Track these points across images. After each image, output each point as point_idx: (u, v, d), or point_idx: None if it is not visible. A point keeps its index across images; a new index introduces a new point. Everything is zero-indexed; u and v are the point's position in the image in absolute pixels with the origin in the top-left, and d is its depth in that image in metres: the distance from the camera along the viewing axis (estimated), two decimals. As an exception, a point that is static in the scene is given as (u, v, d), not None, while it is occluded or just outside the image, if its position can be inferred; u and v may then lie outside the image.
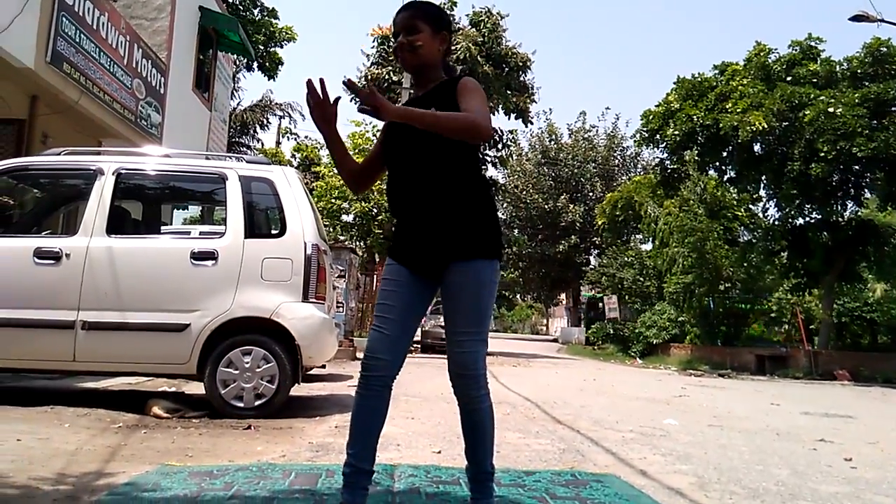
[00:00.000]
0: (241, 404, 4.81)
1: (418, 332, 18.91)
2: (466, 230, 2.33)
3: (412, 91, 2.59)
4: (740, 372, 16.30)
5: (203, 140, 14.03)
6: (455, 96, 2.33)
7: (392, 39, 2.52)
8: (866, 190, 17.22)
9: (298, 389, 5.77)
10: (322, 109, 2.32)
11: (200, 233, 6.55)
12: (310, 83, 2.28)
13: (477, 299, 2.34)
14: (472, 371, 2.32)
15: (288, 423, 4.68)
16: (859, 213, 17.75)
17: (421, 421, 5.09)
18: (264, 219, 5.56)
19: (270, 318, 4.88)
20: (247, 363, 4.84)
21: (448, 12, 22.18)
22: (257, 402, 4.84)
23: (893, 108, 15.23)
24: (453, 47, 21.54)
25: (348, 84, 2.25)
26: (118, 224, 5.11)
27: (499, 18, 22.04)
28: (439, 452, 3.86)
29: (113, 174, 5.10)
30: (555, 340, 40.64)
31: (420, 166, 2.35)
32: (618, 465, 3.82)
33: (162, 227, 6.65)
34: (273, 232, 5.29)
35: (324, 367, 5.94)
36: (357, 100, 2.18)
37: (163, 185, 6.01)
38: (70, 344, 4.72)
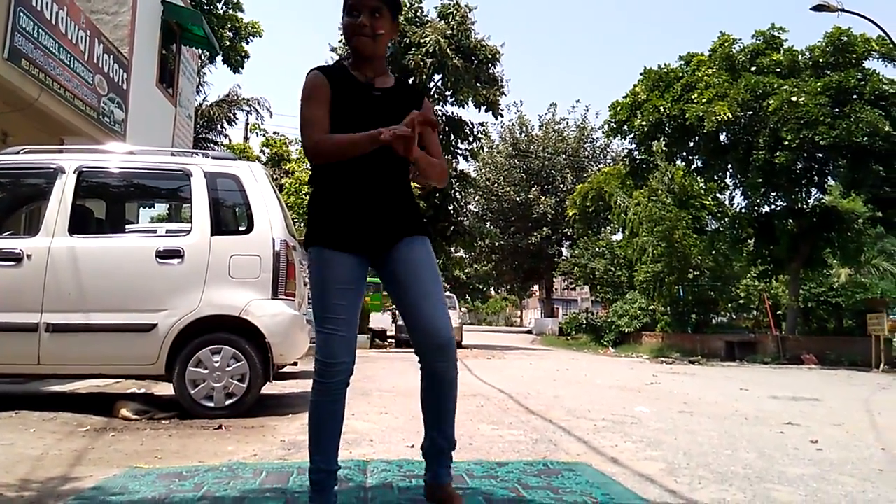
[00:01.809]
0: (212, 404, 4.75)
1: (392, 327, 18.85)
2: (415, 209, 2.50)
3: (352, 70, 2.42)
4: (710, 358, 16.57)
5: (168, 136, 13.81)
6: (418, 108, 2.31)
7: (346, 14, 2.34)
8: (829, 177, 17.56)
9: (270, 387, 5.72)
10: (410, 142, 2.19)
11: (166, 231, 6.46)
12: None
13: (435, 267, 2.45)
14: (451, 335, 2.38)
15: (259, 421, 4.64)
16: (823, 200, 18.10)
17: (394, 416, 5.08)
18: (231, 215, 5.49)
19: (239, 315, 4.82)
20: (216, 362, 4.78)
21: (417, 4, 22.21)
22: (228, 402, 4.78)
23: (854, 97, 15.54)
24: (422, 40, 21.48)
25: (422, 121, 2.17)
26: (81, 223, 5.00)
27: (467, 11, 22.04)
28: (412, 447, 3.85)
29: (74, 172, 4.99)
30: (529, 332, 40.88)
31: (388, 152, 2.30)
32: (589, 453, 3.85)
33: (127, 226, 6.53)
34: (240, 228, 5.22)
35: (295, 364, 5.89)
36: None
37: (126, 183, 5.88)
38: (34, 347, 4.61)
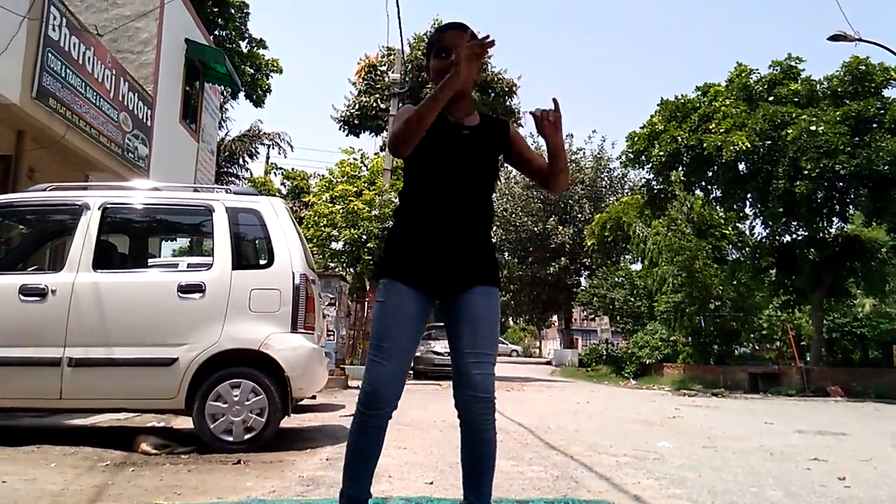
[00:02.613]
0: (231, 438, 4.76)
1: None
2: (492, 256, 2.44)
3: (447, 114, 2.39)
4: (733, 390, 16.29)
5: (191, 171, 14.05)
6: (507, 139, 2.48)
7: (435, 56, 2.41)
8: (851, 206, 17.38)
9: (289, 421, 5.71)
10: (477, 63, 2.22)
11: (188, 265, 6.53)
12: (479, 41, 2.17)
13: (496, 323, 2.39)
14: (491, 394, 2.32)
15: (278, 456, 4.63)
16: (845, 229, 17.89)
17: (413, 451, 5.05)
18: (252, 250, 5.55)
19: (259, 349, 4.84)
20: (236, 396, 4.79)
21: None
22: (247, 436, 4.78)
23: (874, 126, 15.43)
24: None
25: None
26: (104, 259, 5.08)
27: (484, 45, 22.27)
28: (431, 483, 3.82)
29: (99, 209, 5.08)
30: (548, 363, 40.51)
31: (473, 186, 2.38)
32: (612, 490, 3.79)
33: (149, 261, 6.62)
34: (261, 263, 5.27)
35: (314, 397, 5.89)
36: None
37: (149, 219, 5.98)
38: (57, 381, 4.66)
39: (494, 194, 2.46)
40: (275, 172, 28.55)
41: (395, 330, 2.30)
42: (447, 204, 2.33)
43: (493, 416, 2.33)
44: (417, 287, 2.33)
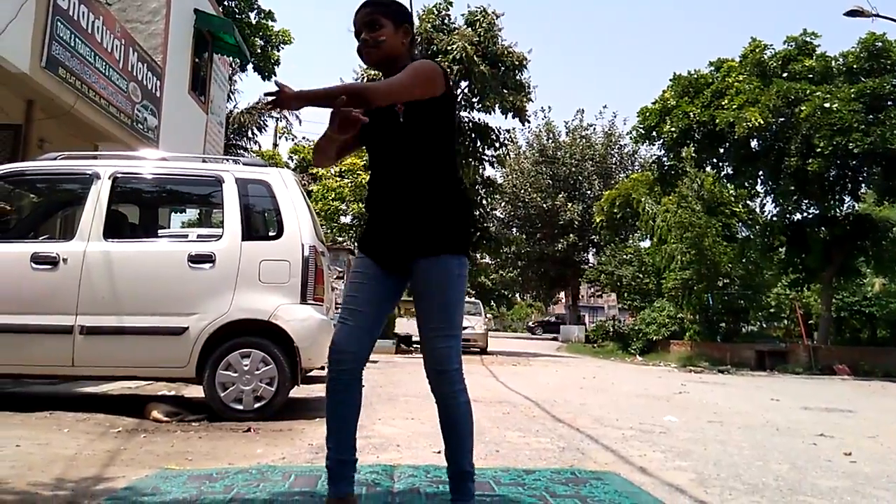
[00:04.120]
0: (241, 407, 4.81)
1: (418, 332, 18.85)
2: (434, 226, 2.35)
3: None
4: (740, 368, 16.32)
5: (200, 143, 14.02)
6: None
7: (355, 38, 2.46)
8: (863, 185, 17.26)
9: (298, 391, 5.76)
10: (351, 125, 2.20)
11: (198, 236, 6.55)
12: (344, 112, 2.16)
13: (445, 294, 2.35)
14: (447, 366, 2.33)
15: (287, 424, 4.68)
16: (857, 208, 17.77)
17: (421, 421, 5.09)
18: (261, 221, 5.55)
19: (269, 320, 4.87)
20: (246, 366, 4.83)
21: (444, 12, 22.29)
22: (257, 405, 4.83)
23: (889, 103, 15.25)
24: (449, 47, 21.41)
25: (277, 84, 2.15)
26: (115, 228, 5.10)
27: (494, 18, 22.00)
28: (439, 452, 3.83)
29: (109, 178, 5.09)
30: (555, 339, 40.64)
31: (395, 160, 2.39)
32: (618, 462, 3.82)
33: (159, 231, 6.64)
34: (270, 234, 5.28)
35: (323, 368, 5.92)
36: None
37: (159, 189, 5.99)
38: (69, 349, 4.71)
39: (436, 158, 2.39)
40: (285, 139, 28.49)
41: (356, 293, 2.41)
42: (379, 180, 2.45)
43: (457, 387, 2.35)
44: (376, 262, 2.44)
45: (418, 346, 19.19)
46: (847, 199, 17.56)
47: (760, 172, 17.78)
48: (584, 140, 38.27)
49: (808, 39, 17.02)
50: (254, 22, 21.88)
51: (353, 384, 2.37)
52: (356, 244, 2.49)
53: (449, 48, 20.62)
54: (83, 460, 3.37)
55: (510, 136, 24.67)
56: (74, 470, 3.14)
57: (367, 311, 2.39)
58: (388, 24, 2.41)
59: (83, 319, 4.72)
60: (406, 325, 18.66)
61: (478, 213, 24.58)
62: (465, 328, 17.22)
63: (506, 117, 22.42)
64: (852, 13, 15.03)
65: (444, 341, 2.33)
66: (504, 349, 22.05)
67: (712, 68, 18.09)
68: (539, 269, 39.17)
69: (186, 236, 6.96)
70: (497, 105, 21.71)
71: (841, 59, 16.51)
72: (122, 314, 4.78)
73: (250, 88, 70.30)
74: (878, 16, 15.02)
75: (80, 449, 3.62)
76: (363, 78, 20.85)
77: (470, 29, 21.64)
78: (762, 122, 15.55)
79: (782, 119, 16.05)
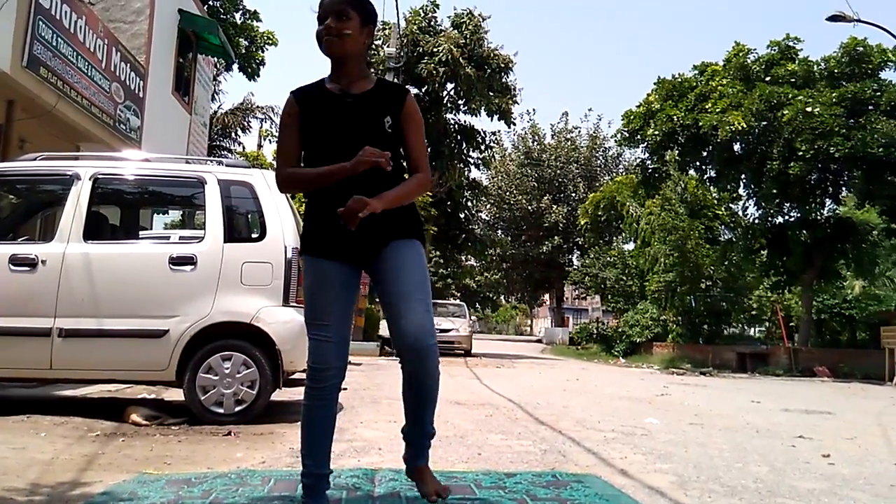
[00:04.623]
0: (222, 410, 4.78)
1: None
2: (406, 216, 2.45)
3: (329, 84, 2.48)
4: (722, 370, 16.45)
5: (183, 144, 13.93)
6: (399, 107, 2.43)
7: (318, 22, 2.41)
8: (844, 188, 17.44)
9: (279, 394, 5.73)
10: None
11: (179, 237, 6.50)
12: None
13: (422, 270, 2.42)
14: (432, 335, 2.36)
15: (269, 428, 4.65)
16: (837, 212, 17.96)
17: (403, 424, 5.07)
18: (244, 223, 5.52)
19: (251, 322, 4.84)
20: (227, 369, 4.80)
21: (431, 14, 22.31)
22: (237, 408, 4.80)
23: (870, 108, 15.43)
24: (435, 49, 21.44)
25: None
26: (95, 230, 5.04)
27: (480, 20, 22.08)
28: (421, 456, 3.85)
29: (90, 179, 5.04)
30: (539, 341, 40.74)
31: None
32: (599, 465, 3.84)
33: (140, 232, 6.58)
34: (253, 236, 5.24)
35: (305, 371, 5.92)
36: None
37: (141, 190, 5.94)
38: (47, 352, 4.65)
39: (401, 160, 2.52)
40: (269, 140, 28.36)
41: (328, 306, 2.38)
42: (355, 179, 2.34)
43: (435, 360, 2.38)
44: (336, 258, 2.40)
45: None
46: (828, 202, 17.75)
47: (743, 176, 17.92)
48: (568, 143, 38.47)
49: (790, 44, 17.18)
50: (239, 22, 21.78)
51: (335, 396, 2.39)
52: (306, 248, 2.46)
53: (435, 50, 20.66)
54: (60, 465, 3.33)
55: (496, 139, 24.76)
56: (51, 475, 3.10)
57: (342, 321, 2.39)
58: (356, 19, 2.38)
59: (62, 322, 4.67)
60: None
61: (463, 215, 24.63)
62: (448, 330, 17.25)
63: (491, 119, 22.51)
64: (834, 18, 15.22)
65: (427, 314, 2.36)
66: (488, 351, 22.07)
67: (696, 72, 18.22)
68: (524, 272, 39.30)
69: (168, 238, 6.91)
70: (483, 107, 21.78)
71: (823, 64, 16.69)
72: (102, 316, 4.73)
73: (235, 89, 70.11)
74: (859, 20, 15.23)
75: (57, 453, 3.58)
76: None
77: (456, 31, 21.69)
78: (745, 125, 15.69)
79: (765, 123, 16.19)
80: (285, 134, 2.46)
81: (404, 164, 2.54)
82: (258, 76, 22.89)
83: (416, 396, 2.45)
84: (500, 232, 37.85)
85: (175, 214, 17.32)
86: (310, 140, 2.42)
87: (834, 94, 15.37)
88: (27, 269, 4.72)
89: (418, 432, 2.51)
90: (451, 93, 22.19)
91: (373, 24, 2.47)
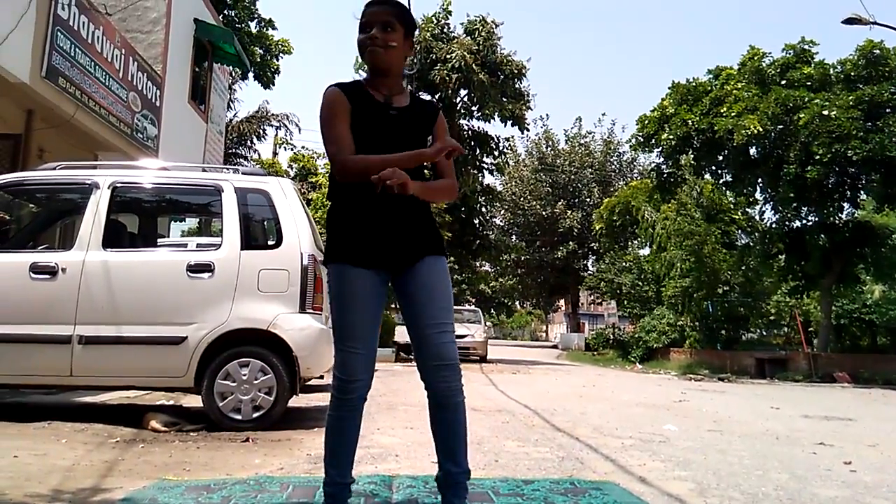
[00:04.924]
0: (239, 417, 4.80)
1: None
2: (435, 230, 2.48)
3: (370, 90, 2.43)
4: (740, 375, 16.28)
5: (200, 152, 14.04)
6: (433, 125, 2.49)
7: (360, 31, 2.37)
8: (862, 192, 17.25)
9: (297, 400, 5.76)
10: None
11: (197, 245, 6.55)
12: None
13: (448, 290, 2.43)
14: (455, 360, 2.36)
15: (286, 434, 4.67)
16: (856, 215, 17.76)
17: (420, 430, 5.07)
18: (261, 230, 5.56)
19: (268, 329, 4.87)
20: (244, 375, 4.83)
21: (444, 21, 22.39)
22: (255, 415, 4.82)
23: (887, 110, 15.28)
24: (448, 56, 21.46)
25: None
26: (114, 238, 5.10)
27: (493, 27, 22.12)
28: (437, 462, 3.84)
29: (108, 188, 5.10)
30: (555, 346, 40.58)
31: (411, 173, 2.32)
32: (617, 472, 3.81)
33: (158, 240, 6.64)
34: (269, 243, 5.29)
35: (322, 377, 5.92)
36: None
37: (159, 198, 6.00)
38: (67, 359, 4.70)
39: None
40: (284, 147, 28.54)
41: (358, 316, 2.33)
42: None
43: (461, 383, 2.37)
44: (370, 266, 2.35)
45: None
46: (846, 206, 17.56)
47: (759, 180, 17.80)
48: (582, 148, 38.41)
49: (806, 47, 17.07)
50: (254, 31, 21.97)
51: (361, 406, 2.37)
52: (335, 256, 2.38)
53: (448, 57, 20.71)
54: (81, 471, 3.36)
55: (509, 145, 24.76)
56: (72, 481, 3.13)
57: (369, 332, 2.36)
58: (401, 31, 2.38)
59: (82, 329, 4.72)
60: (405, 334, 18.60)
61: (477, 221, 24.63)
62: (464, 336, 17.24)
63: (505, 125, 22.52)
64: (850, 21, 15.08)
65: (450, 336, 2.36)
66: (504, 357, 22.01)
67: (711, 76, 18.15)
68: (538, 277, 39.22)
69: (185, 246, 6.97)
70: (496, 113, 21.80)
71: (839, 67, 16.56)
72: (121, 324, 4.78)
73: (250, 97, 70.58)
74: (875, 23, 15.08)
75: (78, 459, 3.61)
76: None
77: (469, 38, 21.73)
78: (761, 129, 15.58)
79: (781, 126, 16.08)
80: (340, 121, 2.33)
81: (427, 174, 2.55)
82: (273, 84, 23.08)
83: (449, 425, 2.39)
84: (514, 237, 37.79)
85: (192, 222, 17.43)
86: (355, 144, 2.35)
87: (851, 97, 15.24)
88: (48, 276, 4.78)
89: (458, 474, 2.35)
90: (465, 99, 22.22)
91: (413, 36, 2.47)
